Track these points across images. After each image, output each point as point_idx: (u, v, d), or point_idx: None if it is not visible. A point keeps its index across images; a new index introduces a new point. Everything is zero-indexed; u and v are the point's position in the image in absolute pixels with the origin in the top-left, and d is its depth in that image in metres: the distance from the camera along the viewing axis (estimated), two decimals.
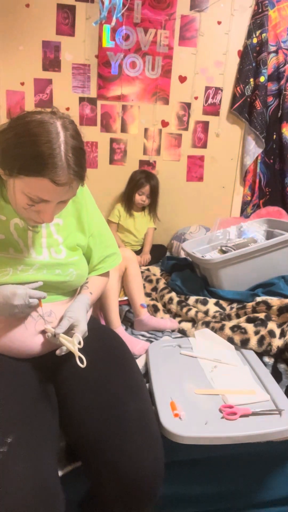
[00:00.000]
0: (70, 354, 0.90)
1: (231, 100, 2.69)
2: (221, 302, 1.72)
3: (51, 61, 2.44)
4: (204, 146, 2.77)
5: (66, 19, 2.38)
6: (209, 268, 1.80)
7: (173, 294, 1.82)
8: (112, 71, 2.52)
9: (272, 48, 2.59)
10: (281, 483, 1.16)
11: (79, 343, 0.90)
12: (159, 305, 1.80)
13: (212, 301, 1.72)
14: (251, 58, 2.57)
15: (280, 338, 1.38)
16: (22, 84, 2.45)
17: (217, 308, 1.68)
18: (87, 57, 2.46)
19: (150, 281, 2.01)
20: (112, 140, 2.66)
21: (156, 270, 2.20)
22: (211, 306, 1.69)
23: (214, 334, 1.46)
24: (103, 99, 2.56)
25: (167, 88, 2.61)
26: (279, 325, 1.43)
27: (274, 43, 2.59)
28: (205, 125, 2.73)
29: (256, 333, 1.40)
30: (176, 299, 1.77)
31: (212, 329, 1.49)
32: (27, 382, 0.91)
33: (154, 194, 2.60)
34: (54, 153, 0.77)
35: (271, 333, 1.39)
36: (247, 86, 2.63)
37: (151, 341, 1.50)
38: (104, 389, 0.92)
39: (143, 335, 1.59)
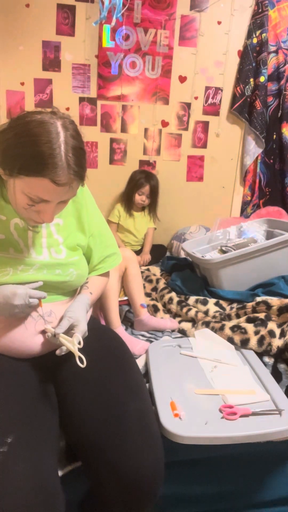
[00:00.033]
0: (70, 354, 0.90)
1: (231, 100, 2.69)
2: (221, 302, 1.72)
3: (51, 61, 2.44)
4: (204, 146, 2.77)
5: (66, 19, 2.38)
6: (209, 268, 1.80)
7: (173, 294, 1.82)
8: (112, 71, 2.52)
9: (272, 48, 2.59)
10: (281, 483, 1.16)
11: (79, 343, 0.90)
12: (159, 305, 1.80)
13: (212, 301, 1.72)
14: (251, 58, 2.57)
15: (280, 338, 1.39)
16: (22, 84, 2.45)
17: (217, 308, 1.68)
18: (87, 57, 2.46)
19: (150, 281, 2.01)
20: (112, 140, 2.66)
21: (156, 270, 2.20)
22: (211, 306, 1.69)
23: (214, 334, 1.46)
24: (103, 99, 2.56)
25: (167, 88, 2.61)
26: (279, 325, 1.43)
27: (274, 43, 2.59)
28: (205, 125, 2.73)
29: (256, 333, 1.40)
30: (176, 299, 1.77)
31: (212, 329, 1.49)
32: (27, 382, 0.91)
33: (154, 194, 2.60)
34: (54, 153, 0.77)
35: (271, 333, 1.39)
36: (247, 86, 2.62)
37: (151, 341, 1.50)
38: (104, 389, 0.92)
39: (143, 335, 1.59)
